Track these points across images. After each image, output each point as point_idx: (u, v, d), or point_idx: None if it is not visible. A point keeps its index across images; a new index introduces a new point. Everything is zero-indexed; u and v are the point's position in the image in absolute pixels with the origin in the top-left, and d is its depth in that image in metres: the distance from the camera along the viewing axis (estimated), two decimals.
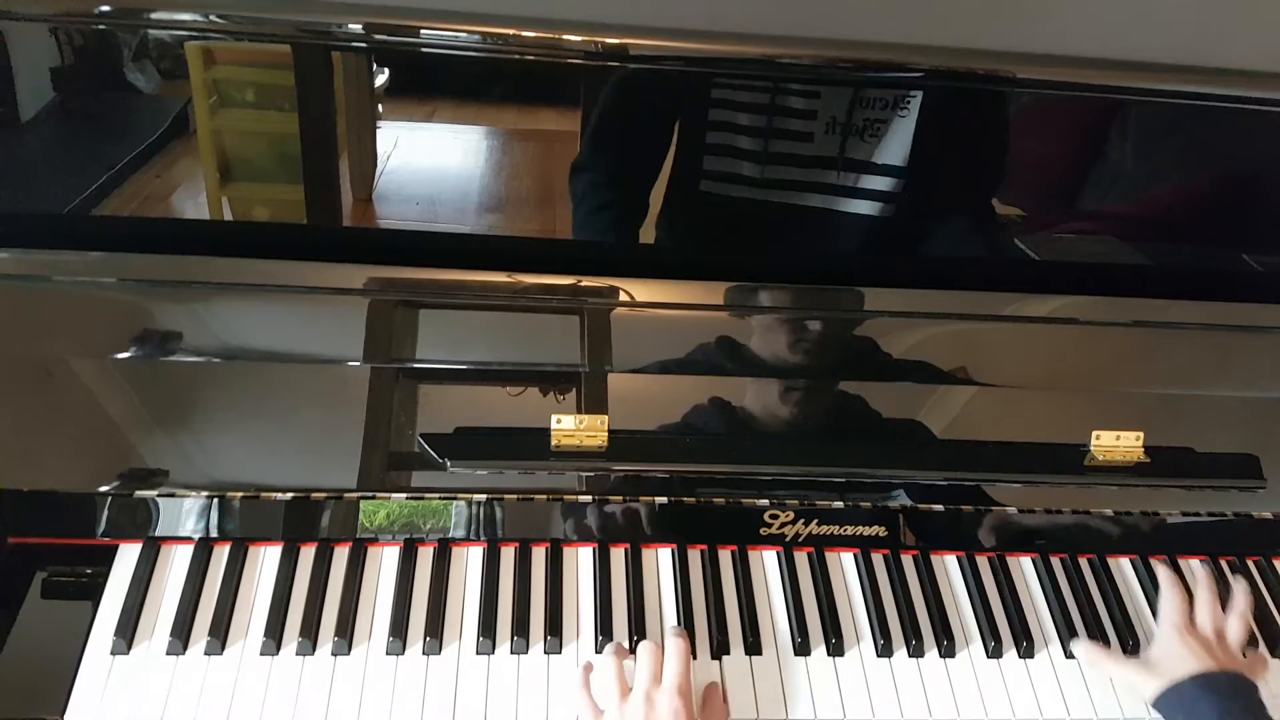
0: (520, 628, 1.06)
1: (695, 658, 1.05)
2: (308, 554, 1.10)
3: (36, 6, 0.95)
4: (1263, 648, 1.15)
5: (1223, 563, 1.22)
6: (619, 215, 1.13)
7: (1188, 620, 1.09)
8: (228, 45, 1.01)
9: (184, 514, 1.09)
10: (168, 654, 1.02)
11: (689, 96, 1.06)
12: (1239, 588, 1.14)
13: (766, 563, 1.16)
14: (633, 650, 1.04)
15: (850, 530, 1.16)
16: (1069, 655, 1.11)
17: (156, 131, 1.05)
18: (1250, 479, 1.18)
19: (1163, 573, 1.15)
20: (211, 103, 1.03)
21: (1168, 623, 1.09)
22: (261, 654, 1.02)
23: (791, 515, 1.15)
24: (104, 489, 1.06)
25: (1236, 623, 1.10)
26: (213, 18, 0.96)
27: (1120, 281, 1.18)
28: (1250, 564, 1.23)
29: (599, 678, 1.01)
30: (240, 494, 1.08)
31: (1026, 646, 1.10)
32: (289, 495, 1.09)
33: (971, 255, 1.19)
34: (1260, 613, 1.17)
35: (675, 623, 1.08)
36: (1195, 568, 1.19)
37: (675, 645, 1.01)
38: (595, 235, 1.12)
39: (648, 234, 1.13)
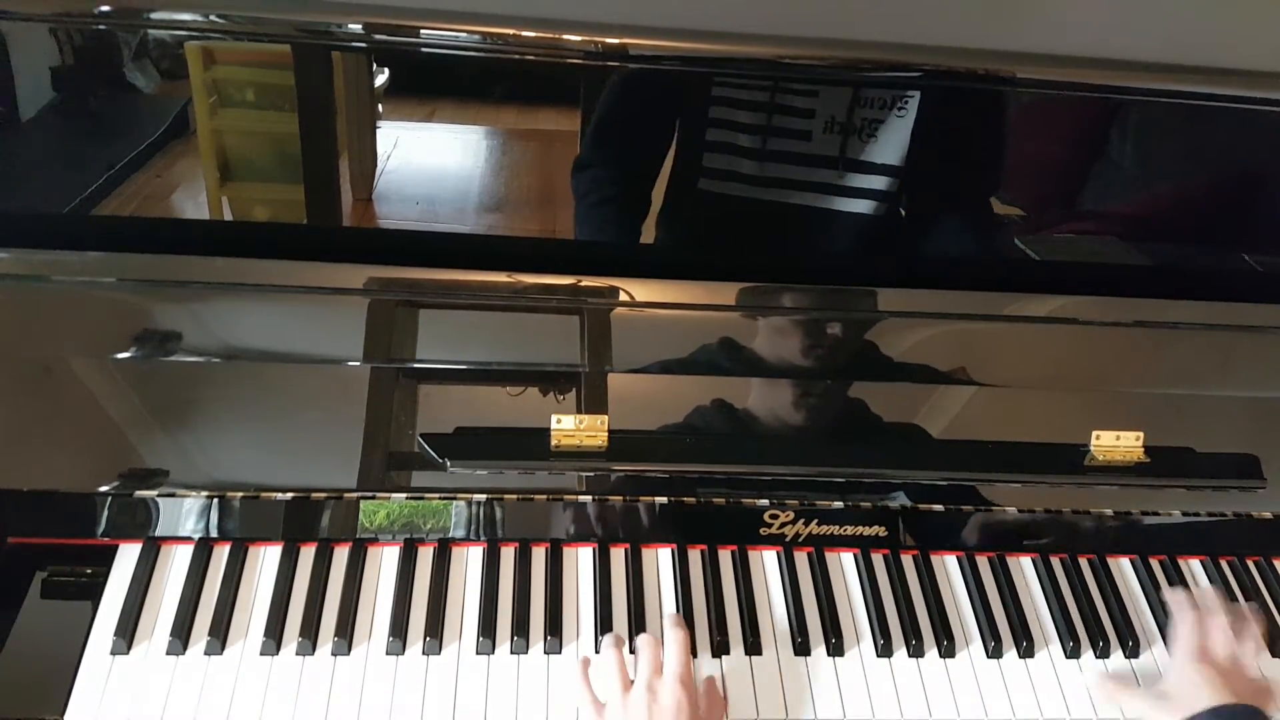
0: (520, 628, 1.06)
1: (695, 655, 1.05)
2: (308, 554, 1.10)
3: (36, 6, 0.95)
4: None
5: (1223, 563, 1.22)
6: (621, 209, 1.12)
7: (1202, 647, 1.05)
8: (228, 45, 1.01)
9: (184, 514, 1.09)
10: (168, 654, 1.02)
11: (689, 94, 1.06)
12: (1250, 609, 1.12)
13: (766, 563, 1.16)
14: (633, 646, 1.04)
15: (850, 530, 1.16)
16: (1069, 655, 1.11)
17: (156, 131, 1.05)
18: (1250, 479, 1.18)
19: (1173, 597, 1.13)
20: (211, 103, 1.03)
21: (1183, 651, 1.06)
22: (261, 654, 1.02)
23: (791, 515, 1.14)
24: (104, 489, 1.06)
25: (1251, 648, 1.08)
26: (213, 18, 0.96)
27: (1120, 281, 1.18)
28: (1250, 564, 1.23)
29: (599, 670, 1.00)
30: (240, 494, 1.08)
31: (1026, 646, 1.10)
32: (289, 495, 1.09)
33: (971, 255, 1.19)
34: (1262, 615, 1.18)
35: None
36: (1205, 589, 1.16)
37: (675, 635, 1.00)
38: (597, 230, 1.12)
39: (648, 233, 1.13)
